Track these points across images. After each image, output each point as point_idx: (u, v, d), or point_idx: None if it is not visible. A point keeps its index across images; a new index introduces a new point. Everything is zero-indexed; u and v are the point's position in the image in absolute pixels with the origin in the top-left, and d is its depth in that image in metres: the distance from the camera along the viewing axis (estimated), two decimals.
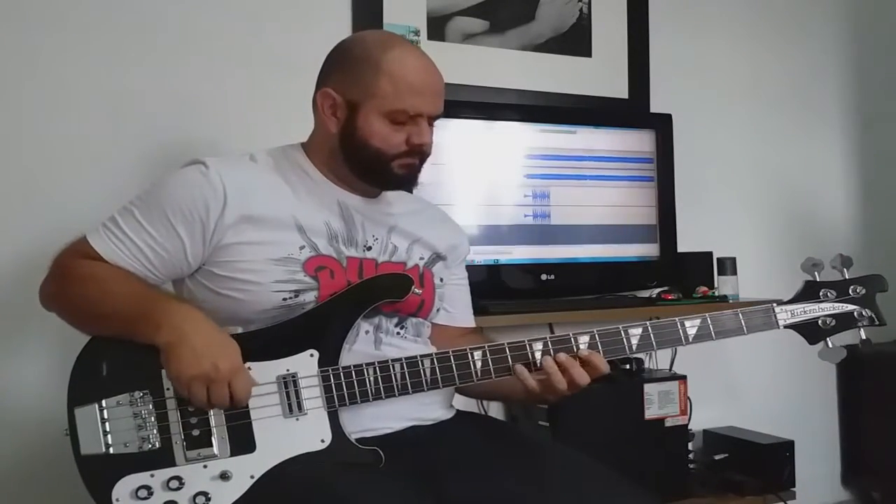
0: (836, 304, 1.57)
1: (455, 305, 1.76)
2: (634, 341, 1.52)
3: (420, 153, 1.58)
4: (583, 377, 1.48)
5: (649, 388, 2.43)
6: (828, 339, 1.57)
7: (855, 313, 1.58)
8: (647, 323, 1.53)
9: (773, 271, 2.86)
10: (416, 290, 1.56)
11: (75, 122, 2.10)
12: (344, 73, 1.56)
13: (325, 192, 1.58)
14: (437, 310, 1.67)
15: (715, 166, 2.93)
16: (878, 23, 3.25)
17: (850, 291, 1.58)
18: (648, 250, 2.61)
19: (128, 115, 2.14)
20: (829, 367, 3.08)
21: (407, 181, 1.62)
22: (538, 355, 1.49)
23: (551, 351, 1.49)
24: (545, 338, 1.50)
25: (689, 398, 2.48)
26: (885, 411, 2.94)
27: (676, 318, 1.55)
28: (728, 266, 2.63)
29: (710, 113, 2.92)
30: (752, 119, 3.02)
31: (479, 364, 1.48)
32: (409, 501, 1.33)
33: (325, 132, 1.58)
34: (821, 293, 1.58)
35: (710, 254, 2.65)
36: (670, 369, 2.62)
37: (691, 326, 1.54)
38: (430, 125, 1.58)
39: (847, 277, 1.59)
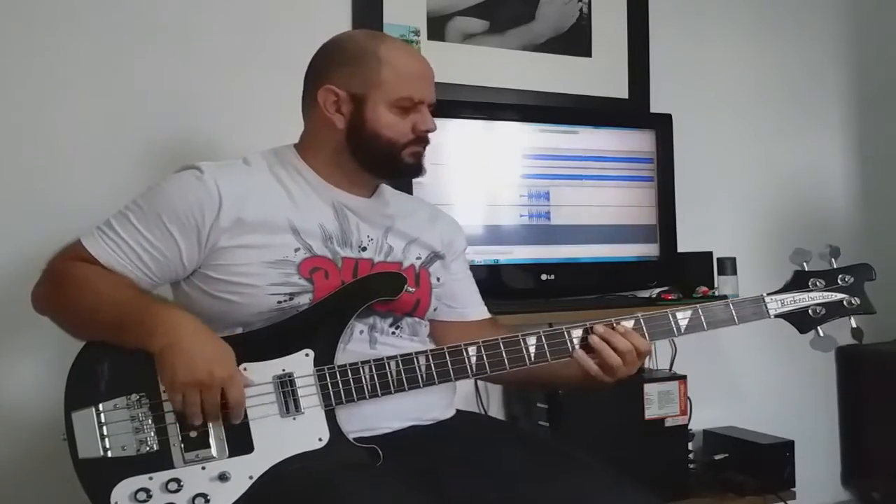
0: (825, 293, 1.59)
1: (458, 300, 1.76)
2: None
3: (425, 140, 1.61)
4: (625, 344, 1.50)
5: (649, 388, 2.43)
6: (818, 327, 1.59)
7: (844, 301, 1.60)
8: (639, 315, 1.55)
9: (774, 271, 2.83)
10: (409, 289, 1.56)
11: (75, 122, 2.10)
12: (343, 68, 1.57)
13: (319, 193, 1.58)
14: (435, 308, 1.67)
15: (715, 166, 2.93)
16: (878, 23, 3.25)
17: (839, 280, 1.60)
18: (648, 250, 2.61)
19: (128, 115, 2.14)
20: (829, 368, 3.09)
21: (416, 169, 1.63)
22: (532, 349, 1.50)
23: (572, 341, 1.52)
24: (538, 332, 1.51)
25: (689, 398, 2.48)
26: (885, 411, 2.94)
27: (668, 310, 1.56)
28: (728, 266, 2.63)
29: (710, 113, 2.92)
30: (752, 119, 3.02)
31: (473, 359, 1.49)
32: (409, 501, 1.33)
33: (326, 130, 1.58)
34: (809, 282, 1.60)
35: (710, 254, 2.65)
36: (670, 369, 2.62)
37: (683, 318, 1.56)
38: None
39: (835, 267, 1.61)
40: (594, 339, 1.51)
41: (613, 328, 1.52)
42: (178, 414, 1.36)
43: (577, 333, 1.52)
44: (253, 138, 1.88)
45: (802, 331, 1.59)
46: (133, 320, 1.38)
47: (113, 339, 1.40)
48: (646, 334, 1.54)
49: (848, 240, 3.09)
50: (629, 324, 1.54)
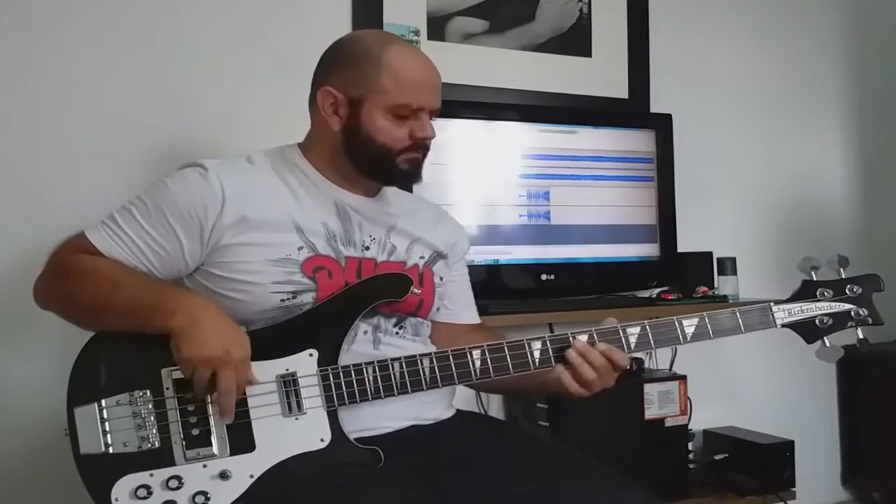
0: (833, 304, 1.58)
1: (456, 302, 1.76)
2: (633, 340, 1.53)
3: (423, 147, 1.59)
4: (599, 359, 1.49)
5: (649, 388, 2.43)
6: (825, 337, 1.58)
7: (852, 312, 1.59)
8: (646, 322, 1.54)
9: (773, 271, 2.86)
10: (415, 290, 1.56)
11: (75, 122, 2.10)
12: (344, 70, 1.56)
13: (322, 192, 1.58)
14: (437, 308, 1.67)
15: (715, 166, 2.93)
16: (878, 23, 3.25)
17: (847, 291, 1.59)
18: (648, 250, 2.62)
19: (128, 116, 2.14)
20: (829, 367, 3.08)
21: (412, 176, 1.62)
22: (537, 354, 1.50)
23: (570, 343, 1.50)
24: (544, 337, 1.51)
25: (689, 398, 2.48)
26: (885, 411, 2.94)
27: (674, 318, 1.55)
28: (728, 266, 2.63)
29: (710, 113, 2.92)
30: (752, 119, 3.02)
31: (478, 363, 1.49)
32: (409, 501, 1.33)
33: (325, 131, 1.58)
34: (818, 292, 1.59)
35: (710, 254, 2.65)
36: (670, 369, 2.62)
37: (689, 325, 1.55)
38: (430, 120, 1.59)
39: (844, 277, 1.60)
40: (570, 354, 1.50)
41: (593, 345, 1.50)
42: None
43: (583, 338, 1.51)
44: (253, 138, 1.88)
45: (809, 341, 1.58)
46: (153, 302, 1.38)
47: (128, 324, 1.39)
48: (651, 342, 1.53)
49: (847, 240, 3.10)
50: (635, 330, 1.53)
